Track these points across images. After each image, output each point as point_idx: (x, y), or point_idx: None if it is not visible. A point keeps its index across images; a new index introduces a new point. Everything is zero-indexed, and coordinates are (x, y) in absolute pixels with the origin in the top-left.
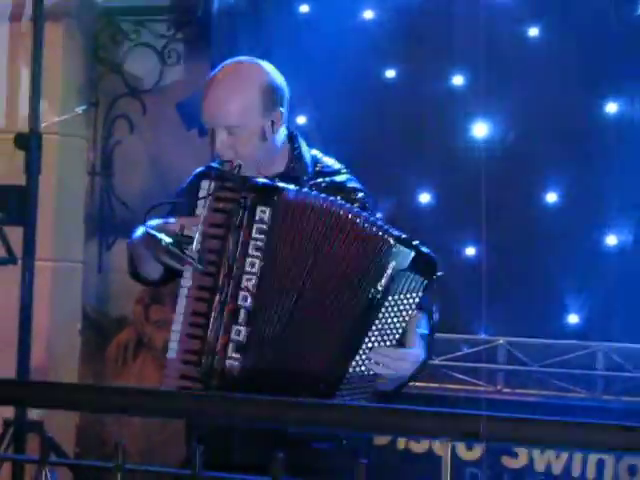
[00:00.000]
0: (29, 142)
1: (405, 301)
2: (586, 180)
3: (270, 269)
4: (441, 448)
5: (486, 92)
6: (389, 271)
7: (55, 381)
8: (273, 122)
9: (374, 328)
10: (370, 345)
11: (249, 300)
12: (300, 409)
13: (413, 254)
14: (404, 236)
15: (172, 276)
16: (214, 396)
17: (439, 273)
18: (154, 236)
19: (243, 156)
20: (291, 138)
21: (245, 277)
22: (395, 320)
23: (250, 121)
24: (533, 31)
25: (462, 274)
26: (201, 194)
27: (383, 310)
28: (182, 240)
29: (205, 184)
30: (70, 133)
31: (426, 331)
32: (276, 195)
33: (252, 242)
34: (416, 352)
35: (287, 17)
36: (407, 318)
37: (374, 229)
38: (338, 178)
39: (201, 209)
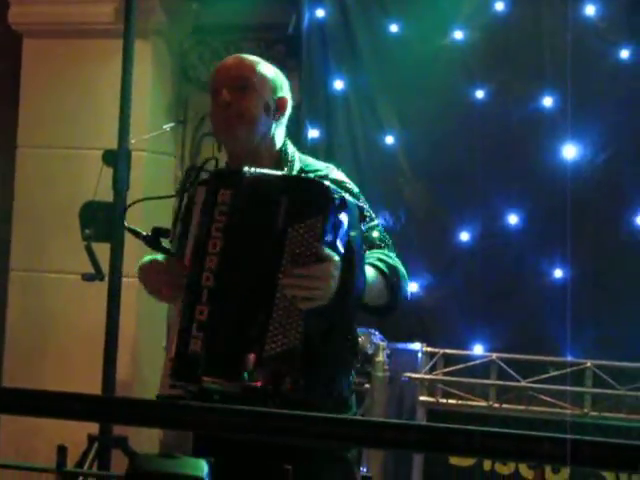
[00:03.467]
0: (117, 159)
1: (306, 229)
2: None
3: (229, 248)
4: (527, 471)
5: (576, 114)
6: (282, 207)
7: (140, 397)
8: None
9: (283, 262)
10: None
11: (211, 279)
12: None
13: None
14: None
15: None
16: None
17: (334, 195)
18: (133, 230)
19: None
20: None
21: (208, 258)
22: (303, 249)
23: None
24: (624, 53)
25: (549, 296)
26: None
27: (287, 243)
28: (160, 232)
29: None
30: (158, 150)
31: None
32: (237, 177)
33: (215, 224)
34: (326, 266)
35: (377, 36)
36: (314, 244)
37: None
38: (321, 173)
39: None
